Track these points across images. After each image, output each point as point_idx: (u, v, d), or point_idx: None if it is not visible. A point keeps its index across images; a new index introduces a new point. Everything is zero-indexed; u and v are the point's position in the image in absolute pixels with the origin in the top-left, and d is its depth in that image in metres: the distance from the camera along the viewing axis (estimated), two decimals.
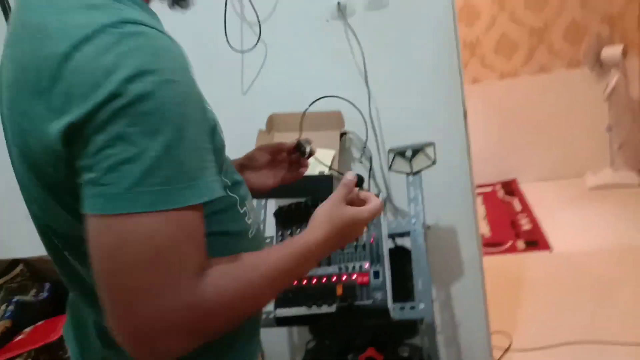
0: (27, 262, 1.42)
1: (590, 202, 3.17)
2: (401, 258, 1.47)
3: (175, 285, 0.53)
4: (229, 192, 0.71)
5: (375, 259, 1.26)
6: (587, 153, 3.50)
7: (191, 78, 0.57)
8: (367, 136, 1.60)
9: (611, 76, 3.20)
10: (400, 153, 1.43)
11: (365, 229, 1.30)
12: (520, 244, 2.80)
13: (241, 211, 0.74)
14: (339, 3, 1.53)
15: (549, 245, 2.70)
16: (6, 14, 1.72)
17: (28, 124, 0.55)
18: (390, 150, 1.45)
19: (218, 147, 0.65)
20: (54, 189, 0.59)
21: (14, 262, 1.41)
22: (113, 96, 0.50)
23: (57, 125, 0.52)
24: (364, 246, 1.29)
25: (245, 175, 0.87)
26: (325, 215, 0.72)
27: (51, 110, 0.52)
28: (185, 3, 0.74)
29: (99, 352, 0.72)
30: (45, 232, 0.70)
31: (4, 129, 0.66)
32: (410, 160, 1.42)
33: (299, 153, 0.99)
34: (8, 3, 1.71)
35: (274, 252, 0.66)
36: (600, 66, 3.23)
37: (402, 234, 1.44)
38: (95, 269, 0.53)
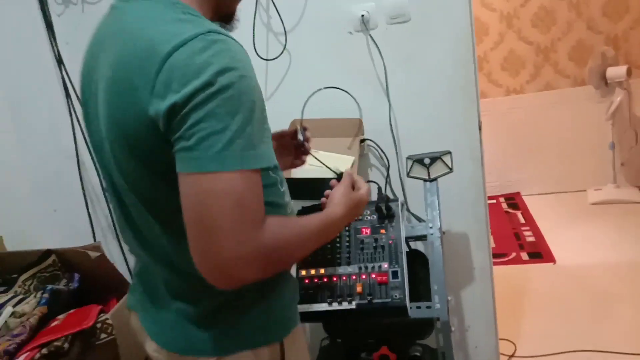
0: (59, 253, 1.48)
1: (592, 217, 3.24)
2: (415, 261, 1.54)
3: (248, 228, 0.68)
4: (271, 173, 0.85)
5: (394, 259, 1.32)
6: (590, 169, 3.57)
7: (254, 74, 0.73)
8: (386, 144, 1.67)
9: (615, 95, 3.28)
10: (419, 160, 1.50)
11: (383, 231, 1.38)
12: (524, 255, 2.86)
13: (282, 189, 0.89)
14: (362, 16, 1.61)
15: (553, 257, 2.76)
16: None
17: (133, 109, 0.70)
18: (408, 158, 1.52)
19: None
20: (148, 159, 0.74)
21: (47, 253, 1.47)
22: (207, 85, 0.66)
23: (160, 106, 0.67)
24: (382, 247, 1.35)
25: None
26: (342, 197, 0.96)
27: (154, 96, 0.68)
28: (232, 26, 0.91)
29: (171, 304, 0.85)
30: (127, 204, 0.84)
31: (88, 119, 0.83)
32: (428, 167, 1.49)
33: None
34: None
35: (312, 217, 0.86)
36: (605, 85, 3.32)
37: (419, 238, 1.51)
38: (188, 216, 0.68)
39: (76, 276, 1.46)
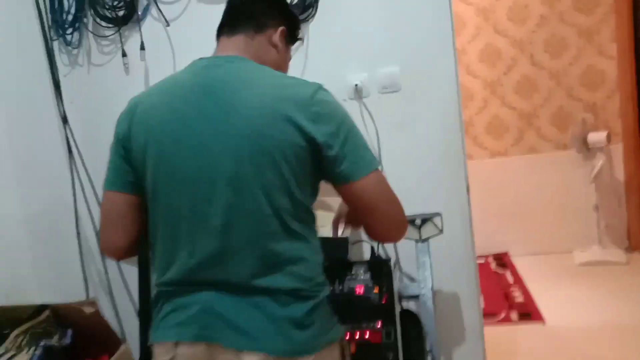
0: (54, 309, 1.48)
1: (579, 278, 3.28)
2: (407, 321, 1.56)
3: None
4: None
5: (387, 319, 1.35)
6: (576, 230, 3.65)
7: None
8: None
9: (597, 159, 3.41)
10: (410, 221, 1.55)
11: (376, 291, 1.41)
12: (514, 315, 2.88)
13: None
14: (356, 85, 1.71)
15: (542, 317, 2.78)
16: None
17: (292, 129, 0.93)
18: None
19: None
20: (297, 171, 0.95)
21: (42, 308, 1.47)
22: (343, 122, 0.97)
23: (313, 132, 0.93)
24: (376, 307, 1.38)
25: None
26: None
27: (309, 121, 0.94)
28: None
29: (275, 313, 0.96)
30: (239, 222, 0.96)
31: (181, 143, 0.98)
32: (419, 228, 1.54)
33: None
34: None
35: None
36: (587, 149, 3.46)
37: (411, 297, 1.54)
38: (375, 205, 0.99)
39: (69, 332, 1.46)
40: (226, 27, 1.09)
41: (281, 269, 0.96)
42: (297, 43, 1.35)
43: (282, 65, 1.15)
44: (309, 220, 1.01)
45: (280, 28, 1.12)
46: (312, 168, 0.97)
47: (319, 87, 0.99)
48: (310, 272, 0.99)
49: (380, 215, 1.00)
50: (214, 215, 0.95)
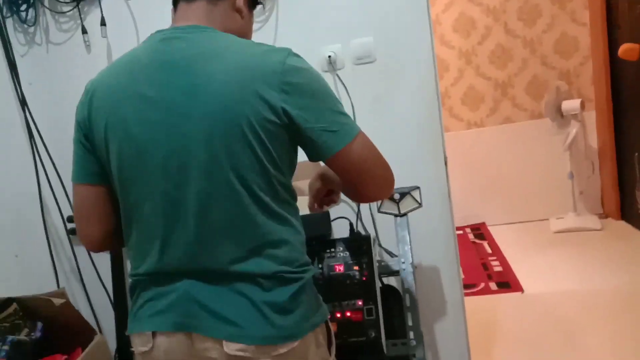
0: (21, 301, 1.42)
1: (556, 245, 3.33)
2: (388, 297, 1.54)
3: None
4: None
5: (368, 296, 1.32)
6: (551, 198, 3.70)
7: None
8: None
9: (571, 127, 3.44)
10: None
11: (357, 268, 1.38)
12: (493, 285, 2.91)
13: None
14: (329, 56, 1.66)
15: (521, 286, 2.81)
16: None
17: (262, 104, 0.87)
18: None
19: None
20: (267, 146, 0.89)
21: (8, 301, 1.41)
22: (316, 89, 0.92)
23: (285, 104, 0.87)
24: (356, 284, 1.36)
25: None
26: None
27: (279, 92, 0.87)
28: None
29: (255, 298, 0.91)
30: (208, 205, 0.91)
31: (181, 121, 0.90)
32: (398, 203, 1.51)
33: None
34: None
35: None
36: (561, 117, 3.47)
37: (392, 273, 1.52)
38: (364, 169, 0.94)
39: (39, 325, 1.40)
40: None
41: (262, 252, 0.91)
42: (259, 8, 1.28)
43: (247, 32, 1.08)
44: (289, 199, 0.96)
45: None
46: (289, 143, 0.92)
47: (289, 54, 0.92)
48: (293, 254, 0.94)
49: (370, 178, 0.97)
50: (187, 201, 0.90)
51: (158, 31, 0.97)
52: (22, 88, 1.79)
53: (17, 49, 1.84)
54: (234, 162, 0.88)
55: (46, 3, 1.81)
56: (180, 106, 0.89)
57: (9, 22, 1.83)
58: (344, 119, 0.93)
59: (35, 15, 1.82)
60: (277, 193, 0.92)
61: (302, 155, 0.96)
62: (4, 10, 1.80)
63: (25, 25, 1.83)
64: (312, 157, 0.95)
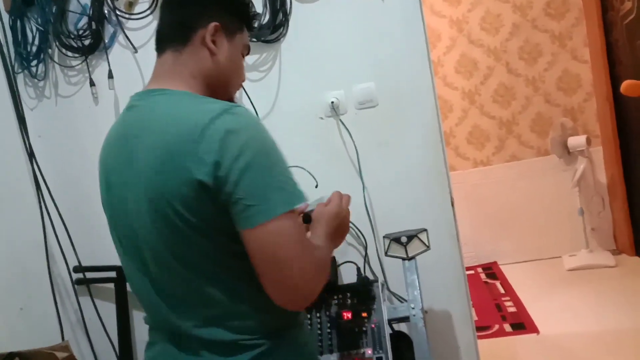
0: (23, 355, 1.39)
1: (570, 283, 3.25)
2: (399, 343, 1.50)
3: (308, 252, 0.84)
4: None
5: (378, 345, 1.29)
6: (563, 235, 3.64)
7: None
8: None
9: (579, 163, 3.42)
10: (396, 239, 1.50)
11: (365, 315, 1.35)
12: (507, 327, 2.83)
13: None
14: (332, 102, 1.67)
15: (536, 327, 2.73)
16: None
17: (183, 175, 0.80)
18: (385, 237, 1.52)
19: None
20: (199, 220, 0.82)
21: (10, 356, 1.38)
22: (240, 154, 0.80)
23: (202, 175, 0.79)
24: (365, 332, 1.32)
25: None
26: (319, 218, 0.99)
27: (198, 163, 0.79)
28: None
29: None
30: (162, 273, 0.89)
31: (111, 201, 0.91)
32: (405, 245, 1.49)
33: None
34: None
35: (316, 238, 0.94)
36: (568, 154, 3.46)
37: (402, 320, 1.48)
38: (267, 262, 0.81)
39: None
40: (156, 45, 0.96)
41: (216, 322, 0.88)
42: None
43: (227, 69, 0.96)
44: (243, 266, 0.84)
45: (212, 24, 0.92)
46: (221, 213, 0.82)
47: (220, 113, 0.81)
48: (249, 323, 0.88)
49: (271, 277, 0.81)
50: (151, 274, 0.91)
51: (136, 93, 0.96)
52: (31, 140, 1.82)
53: (27, 103, 1.88)
54: (164, 239, 0.85)
55: (56, 58, 1.86)
56: (124, 186, 0.90)
57: (20, 77, 1.87)
58: (269, 193, 0.80)
59: (45, 70, 1.87)
60: (221, 261, 0.85)
61: None
62: (15, 66, 1.85)
63: (36, 80, 1.88)
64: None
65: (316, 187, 1.56)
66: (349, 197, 1.07)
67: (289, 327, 0.93)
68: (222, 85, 0.97)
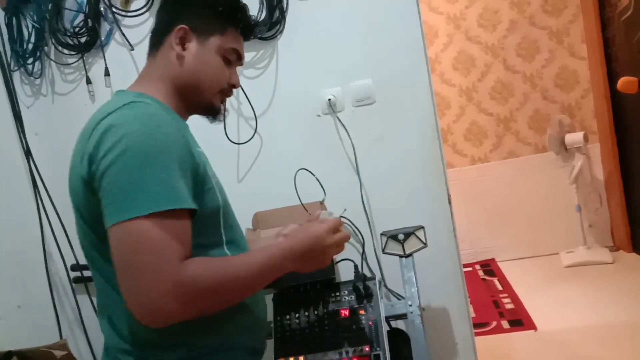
0: (20, 354, 1.39)
1: (567, 280, 3.26)
2: (397, 340, 1.50)
3: (166, 266, 0.75)
4: (225, 249, 0.93)
5: (375, 342, 1.29)
6: (560, 232, 3.64)
7: (172, 129, 0.86)
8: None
9: (576, 160, 3.42)
10: (393, 236, 1.50)
11: (362, 312, 1.34)
12: (505, 323, 2.83)
13: (224, 231, 0.95)
14: (329, 100, 1.67)
15: (534, 324, 2.74)
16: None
17: (77, 171, 0.84)
18: (382, 234, 1.52)
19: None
20: (90, 218, 0.85)
21: (8, 355, 1.38)
22: (105, 155, 0.81)
23: (88, 169, 0.83)
24: (363, 329, 1.32)
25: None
26: (293, 230, 0.97)
27: (87, 166, 0.81)
28: (218, 119, 1.06)
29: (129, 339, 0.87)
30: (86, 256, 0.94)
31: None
32: (402, 243, 1.49)
33: None
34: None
35: (247, 255, 0.89)
36: (565, 151, 3.46)
37: (399, 317, 1.48)
38: (116, 265, 0.77)
39: None
40: None
41: (111, 323, 0.88)
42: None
43: (198, 73, 0.95)
44: None
45: (177, 27, 0.92)
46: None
47: (115, 110, 0.83)
48: (127, 326, 0.84)
49: (122, 283, 0.76)
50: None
51: None
52: (27, 138, 1.81)
53: (24, 101, 1.88)
54: (80, 235, 0.92)
55: (52, 55, 1.85)
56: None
57: (16, 75, 1.87)
58: (121, 196, 0.76)
59: (42, 68, 1.87)
60: (110, 259, 0.80)
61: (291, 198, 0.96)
62: (12, 64, 1.85)
63: (32, 78, 1.87)
64: None
65: (322, 201, 1.54)
66: (347, 235, 1.00)
67: (157, 347, 0.85)
68: (192, 89, 0.96)
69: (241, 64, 1.07)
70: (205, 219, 0.87)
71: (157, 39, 0.96)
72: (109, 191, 0.76)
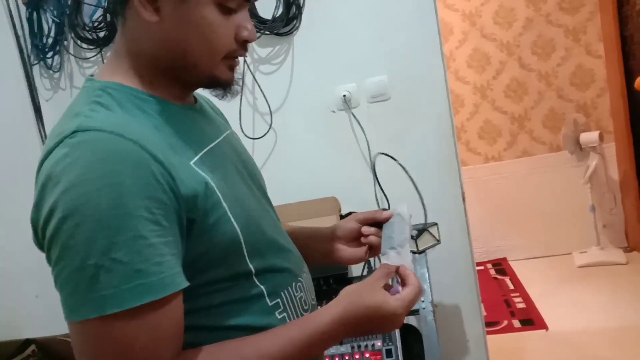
0: (39, 343, 1.42)
1: (580, 280, 3.24)
2: (408, 336, 1.51)
3: None
4: (256, 281, 0.70)
5: (387, 337, 1.30)
6: (574, 232, 3.62)
7: (131, 172, 0.60)
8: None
9: (590, 159, 3.39)
10: None
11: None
12: (516, 323, 2.83)
13: (270, 304, 0.71)
14: (344, 96, 1.68)
15: (545, 323, 2.73)
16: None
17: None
18: None
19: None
20: None
21: (26, 343, 1.41)
22: (52, 213, 0.61)
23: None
24: None
25: (335, 245, 0.90)
26: (349, 294, 0.69)
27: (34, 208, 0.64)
28: (231, 91, 0.75)
29: None
30: None
31: None
32: (415, 239, 1.49)
33: None
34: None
35: (270, 336, 0.64)
36: (580, 150, 3.44)
37: (411, 313, 1.49)
38: None
39: None
40: None
41: None
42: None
43: (184, 40, 0.65)
44: None
45: None
46: None
47: (57, 143, 0.61)
48: None
49: None
50: None
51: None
52: (47, 131, 1.85)
53: (43, 94, 1.91)
54: None
55: (71, 50, 1.88)
56: None
57: (36, 69, 1.90)
58: (66, 296, 0.58)
59: (61, 62, 1.90)
60: None
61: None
62: (32, 57, 1.88)
63: (51, 72, 1.90)
64: None
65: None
66: (421, 292, 0.75)
67: None
68: (180, 65, 0.68)
69: (248, 3, 0.70)
70: (219, 251, 0.66)
71: (121, 3, 0.66)
72: (55, 277, 0.59)
